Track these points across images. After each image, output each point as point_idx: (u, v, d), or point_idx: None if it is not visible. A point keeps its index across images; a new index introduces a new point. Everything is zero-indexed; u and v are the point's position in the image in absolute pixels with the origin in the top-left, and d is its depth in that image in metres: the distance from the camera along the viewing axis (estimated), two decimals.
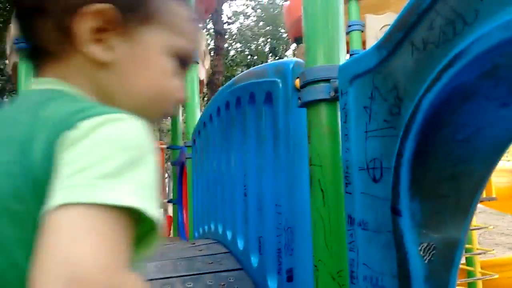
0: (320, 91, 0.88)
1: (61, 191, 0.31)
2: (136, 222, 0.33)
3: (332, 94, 0.85)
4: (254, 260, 1.38)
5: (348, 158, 0.78)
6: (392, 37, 0.65)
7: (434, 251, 0.59)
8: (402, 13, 0.62)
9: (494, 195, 4.29)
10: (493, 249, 3.32)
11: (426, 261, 0.59)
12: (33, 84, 0.46)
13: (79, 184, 0.31)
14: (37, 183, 0.35)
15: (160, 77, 0.47)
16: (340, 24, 0.92)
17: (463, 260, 3.19)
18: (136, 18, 0.44)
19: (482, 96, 0.54)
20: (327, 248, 0.85)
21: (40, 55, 0.45)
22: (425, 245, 0.59)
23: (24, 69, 2.78)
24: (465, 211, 0.61)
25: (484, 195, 4.37)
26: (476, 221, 3.49)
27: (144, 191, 0.33)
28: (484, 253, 3.10)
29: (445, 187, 0.61)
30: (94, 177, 0.31)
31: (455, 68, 0.50)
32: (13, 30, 2.93)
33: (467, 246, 3.12)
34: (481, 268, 3.13)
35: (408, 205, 0.60)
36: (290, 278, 1.07)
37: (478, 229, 3.13)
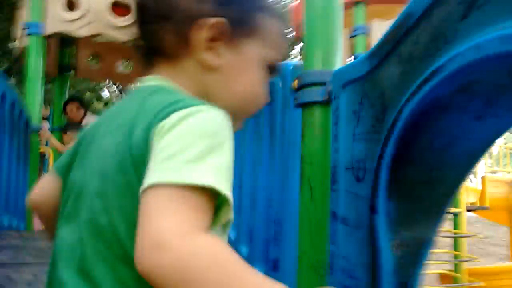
0: (314, 94, 0.93)
1: (154, 173, 0.39)
2: (215, 198, 0.40)
3: (326, 97, 0.90)
4: (244, 250, 1.43)
5: (336, 158, 0.83)
6: (382, 48, 0.70)
7: (404, 248, 0.65)
8: (392, 27, 0.67)
9: (487, 205, 4.34)
10: (480, 258, 3.38)
11: (396, 256, 0.64)
12: (143, 81, 0.55)
13: (168, 168, 0.39)
14: (136, 161, 0.43)
15: (254, 83, 0.55)
16: (338, 30, 0.97)
17: (451, 267, 3.25)
18: (242, 32, 0.52)
19: (457, 109, 0.59)
20: (310, 241, 0.91)
21: (154, 55, 0.54)
22: (397, 241, 0.65)
23: (33, 53, 2.84)
24: (436, 214, 0.66)
25: (478, 204, 4.42)
26: (470, 230, 3.55)
27: (220, 172, 0.40)
28: (471, 260, 3.17)
29: (419, 190, 0.66)
30: (180, 162, 0.39)
31: (433, 82, 0.55)
32: (23, 14, 2.98)
33: (455, 252, 3.19)
34: (469, 275, 3.19)
35: (384, 204, 0.66)
36: (275, 268, 1.13)
37: (467, 236, 3.19)
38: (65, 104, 3.54)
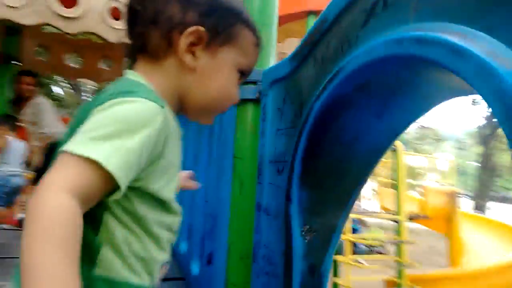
0: (248, 92, 0.97)
1: (67, 143, 0.46)
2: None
3: (257, 95, 0.95)
4: (183, 247, 1.45)
5: (262, 153, 0.88)
6: (301, 50, 0.76)
7: (314, 233, 0.70)
8: (309, 31, 0.73)
9: (427, 215, 4.63)
10: (419, 264, 3.61)
11: (306, 241, 0.70)
12: (124, 74, 0.60)
13: (75, 141, 0.45)
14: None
15: (224, 85, 0.60)
16: (273, 34, 1.03)
17: (394, 273, 3.46)
18: (219, 39, 0.59)
19: (358, 107, 0.65)
20: (239, 232, 0.95)
21: (139, 53, 0.59)
22: (307, 227, 0.70)
23: None
24: (344, 203, 0.73)
25: (419, 213, 4.69)
26: (412, 239, 3.79)
27: (117, 152, 0.45)
28: (411, 267, 3.38)
29: (329, 180, 0.72)
30: (86, 138, 0.45)
31: (335, 82, 0.61)
32: None
33: (398, 259, 3.39)
34: (410, 281, 3.41)
35: (297, 193, 0.71)
36: (209, 262, 1.16)
37: (402, 242, 3.40)
38: (19, 75, 3.25)
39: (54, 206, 0.41)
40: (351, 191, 0.74)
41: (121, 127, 0.47)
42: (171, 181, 0.56)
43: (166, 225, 0.57)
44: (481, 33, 0.40)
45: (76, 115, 0.55)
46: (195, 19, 0.57)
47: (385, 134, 0.70)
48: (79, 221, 0.43)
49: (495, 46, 0.38)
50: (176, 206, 0.58)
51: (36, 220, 0.40)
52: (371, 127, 0.68)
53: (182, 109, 0.61)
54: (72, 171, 0.44)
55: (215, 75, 0.59)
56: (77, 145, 0.45)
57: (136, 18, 0.59)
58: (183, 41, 0.56)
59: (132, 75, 0.58)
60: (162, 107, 0.51)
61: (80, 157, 0.44)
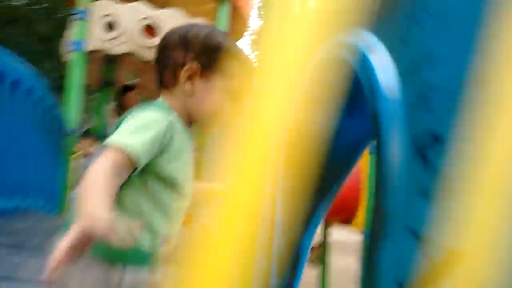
0: None
1: (110, 136, 0.72)
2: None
3: None
4: None
5: None
6: None
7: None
8: None
9: None
10: None
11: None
12: (156, 100, 0.86)
13: (114, 135, 0.71)
14: None
15: (216, 102, 0.83)
16: None
17: None
18: (210, 69, 0.82)
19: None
20: None
21: (162, 86, 0.86)
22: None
23: (76, 66, 3.25)
24: (324, 194, 0.83)
25: None
26: None
27: (137, 142, 0.69)
28: None
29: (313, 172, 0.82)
30: (120, 133, 0.71)
31: None
32: (70, 33, 3.43)
33: None
34: None
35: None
36: None
37: None
38: (125, 90, 3.75)
39: (98, 169, 0.65)
40: (332, 184, 0.83)
41: (140, 127, 0.72)
42: (181, 168, 0.79)
43: (172, 203, 0.78)
44: (373, 36, 0.51)
45: (121, 119, 0.79)
46: (191, 58, 0.81)
47: (360, 131, 0.79)
48: (114, 181, 0.66)
49: (376, 45, 0.49)
50: (186, 189, 0.79)
51: (88, 173, 0.65)
52: (346, 123, 0.78)
53: (192, 121, 0.84)
54: (109, 154, 0.68)
55: (209, 95, 0.82)
56: (113, 138, 0.70)
57: (156, 63, 0.86)
58: (183, 75, 0.80)
59: (160, 99, 0.85)
60: (168, 116, 0.76)
61: (114, 145, 0.69)
